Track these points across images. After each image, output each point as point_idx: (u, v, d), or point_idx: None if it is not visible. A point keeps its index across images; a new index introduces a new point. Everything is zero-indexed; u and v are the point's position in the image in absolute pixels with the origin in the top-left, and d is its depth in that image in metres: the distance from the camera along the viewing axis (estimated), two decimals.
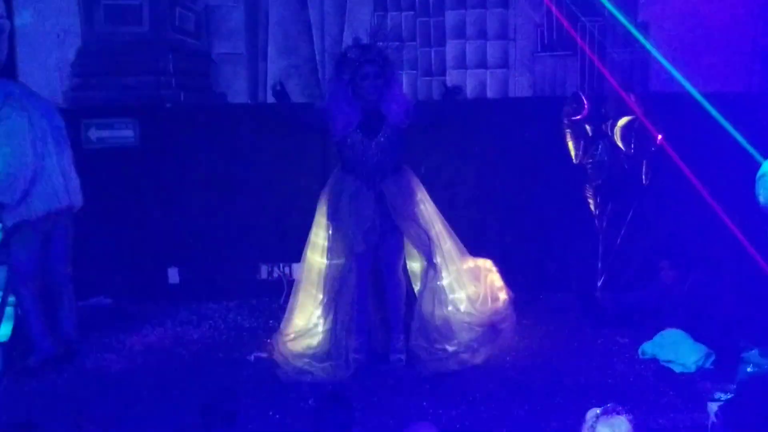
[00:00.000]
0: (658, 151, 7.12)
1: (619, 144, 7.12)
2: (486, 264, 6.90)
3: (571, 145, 7.21)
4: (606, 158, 7.18)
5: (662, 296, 6.98)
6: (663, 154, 7.18)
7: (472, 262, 6.78)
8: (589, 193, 7.32)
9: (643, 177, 7.19)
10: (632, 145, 7.09)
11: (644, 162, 7.14)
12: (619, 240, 7.32)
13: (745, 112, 7.35)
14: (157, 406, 5.80)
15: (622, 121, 7.11)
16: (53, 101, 6.96)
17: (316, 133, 6.73)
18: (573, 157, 7.22)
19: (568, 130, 7.23)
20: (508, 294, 6.88)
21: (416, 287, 6.56)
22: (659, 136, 7.11)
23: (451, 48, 7.81)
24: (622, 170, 7.20)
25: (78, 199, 6.53)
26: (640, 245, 7.27)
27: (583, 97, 7.23)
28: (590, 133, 7.20)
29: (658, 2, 7.58)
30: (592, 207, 7.31)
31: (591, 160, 7.23)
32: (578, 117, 7.18)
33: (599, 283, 7.33)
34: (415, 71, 7.77)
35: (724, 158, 7.22)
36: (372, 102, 6.20)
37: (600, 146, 7.19)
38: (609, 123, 7.16)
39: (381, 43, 6.38)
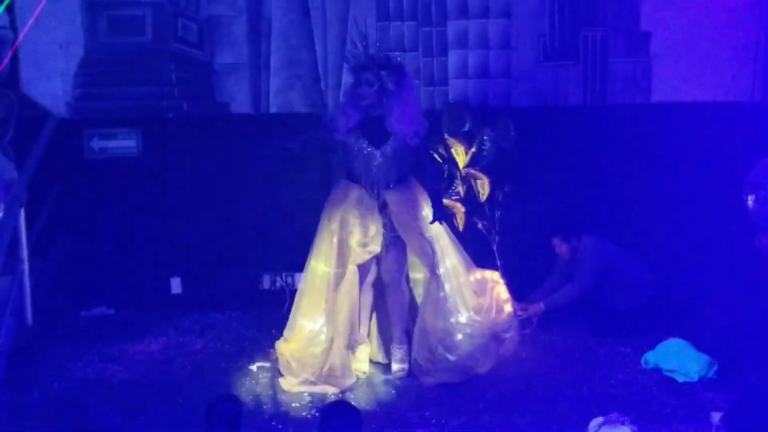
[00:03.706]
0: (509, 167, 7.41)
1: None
2: (493, 276, 6.85)
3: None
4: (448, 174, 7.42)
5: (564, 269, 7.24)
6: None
7: (479, 274, 6.73)
8: (454, 208, 7.45)
9: (478, 194, 7.42)
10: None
11: (476, 181, 7.40)
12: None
13: (747, 122, 7.37)
14: (160, 415, 5.81)
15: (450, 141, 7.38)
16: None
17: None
18: None
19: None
20: (513, 306, 6.86)
21: (419, 298, 6.55)
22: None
23: (453, 58, 7.83)
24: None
25: None
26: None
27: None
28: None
29: (660, 11, 7.58)
30: (456, 221, 7.43)
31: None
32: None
33: None
34: (417, 81, 7.78)
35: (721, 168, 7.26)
36: (370, 109, 6.20)
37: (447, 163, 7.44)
38: (437, 140, 7.36)
39: (385, 54, 6.39)
